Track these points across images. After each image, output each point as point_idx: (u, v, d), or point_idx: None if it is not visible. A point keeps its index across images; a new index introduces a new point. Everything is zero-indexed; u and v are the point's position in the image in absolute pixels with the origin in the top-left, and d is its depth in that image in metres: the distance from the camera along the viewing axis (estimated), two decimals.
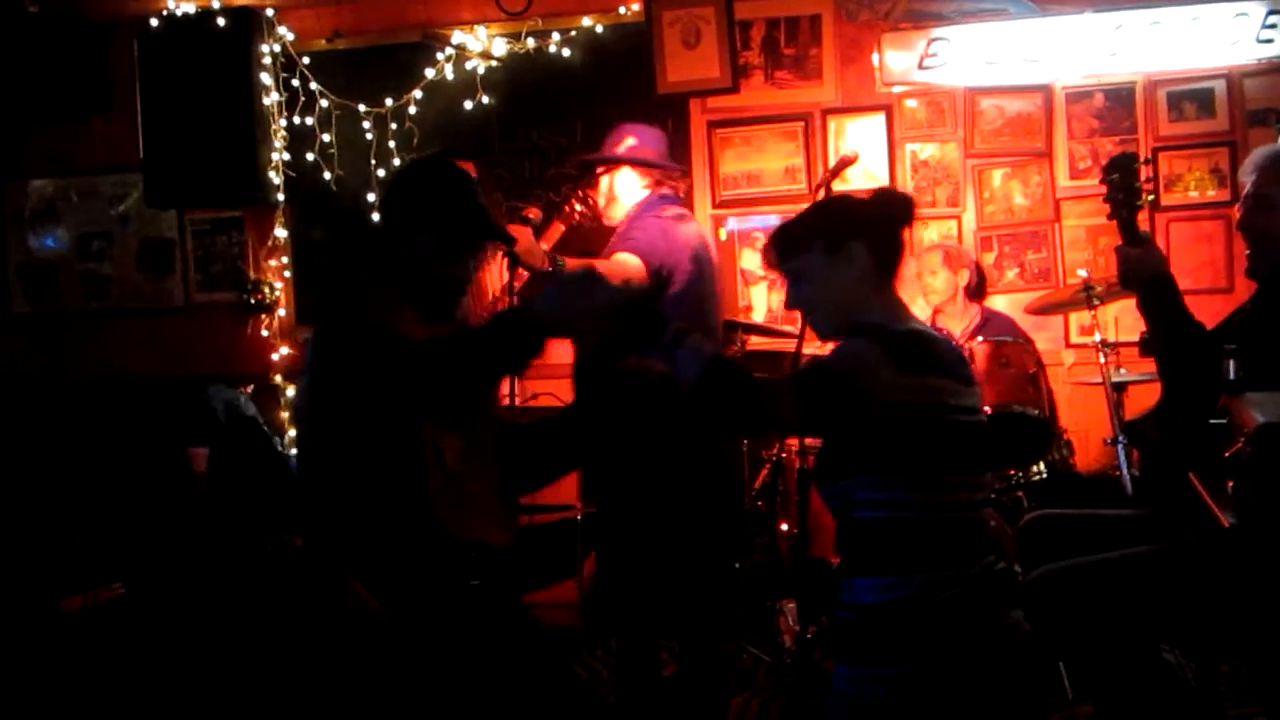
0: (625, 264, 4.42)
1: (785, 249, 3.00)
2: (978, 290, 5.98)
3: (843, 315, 2.94)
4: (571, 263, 4.44)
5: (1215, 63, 5.83)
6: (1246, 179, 3.60)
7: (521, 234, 4.35)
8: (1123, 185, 3.60)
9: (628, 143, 4.81)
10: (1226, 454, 3.03)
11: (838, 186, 4.88)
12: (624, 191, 4.76)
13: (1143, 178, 3.64)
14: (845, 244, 2.90)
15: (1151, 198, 3.58)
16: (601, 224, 5.49)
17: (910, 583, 2.75)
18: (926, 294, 5.89)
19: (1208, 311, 3.67)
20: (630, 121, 6.38)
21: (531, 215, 4.53)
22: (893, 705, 2.71)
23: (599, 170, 4.82)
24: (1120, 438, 4.98)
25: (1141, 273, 3.58)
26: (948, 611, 2.73)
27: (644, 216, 4.68)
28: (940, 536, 2.77)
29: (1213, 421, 3.14)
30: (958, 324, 5.86)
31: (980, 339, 5.29)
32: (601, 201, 4.83)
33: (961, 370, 2.88)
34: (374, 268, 3.35)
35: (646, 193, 4.73)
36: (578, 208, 5.78)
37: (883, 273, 2.94)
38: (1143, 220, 5.80)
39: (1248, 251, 3.62)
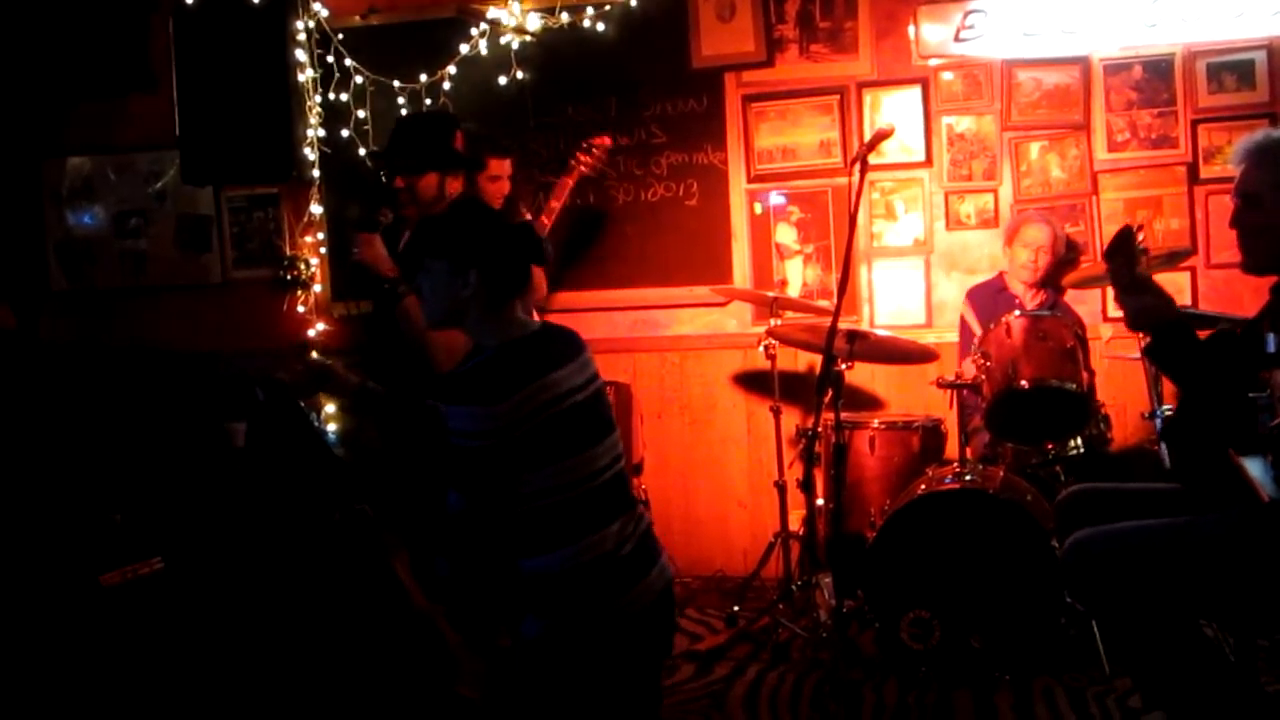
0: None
1: (425, 243, 3.25)
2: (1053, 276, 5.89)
3: (453, 319, 3.22)
4: (410, 303, 4.24)
5: (1256, 33, 5.78)
6: (1235, 169, 3.47)
7: (368, 241, 4.21)
8: (1126, 260, 3.37)
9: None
10: (1271, 425, 3.00)
11: (874, 160, 4.86)
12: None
13: (1140, 240, 3.46)
14: (467, 270, 3.13)
15: (1145, 253, 3.42)
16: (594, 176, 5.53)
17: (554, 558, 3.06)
18: (1019, 270, 5.79)
19: (1246, 285, 3.63)
20: (659, 98, 6.45)
21: (383, 219, 4.41)
22: (536, 652, 3.07)
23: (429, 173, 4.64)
24: (1157, 412, 4.96)
25: (1153, 320, 3.40)
26: (573, 581, 3.04)
27: None
28: (572, 515, 3.06)
29: (1251, 395, 3.11)
30: (1029, 298, 5.80)
31: (1017, 314, 5.26)
32: (427, 201, 4.61)
33: (564, 353, 3.17)
34: None
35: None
36: (584, 159, 5.81)
37: (494, 299, 3.17)
38: (1181, 196, 5.85)
39: (1240, 246, 3.50)
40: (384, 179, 4.64)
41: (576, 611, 3.05)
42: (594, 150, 5.80)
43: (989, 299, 5.88)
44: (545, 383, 3.05)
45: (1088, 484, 3.96)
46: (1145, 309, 3.39)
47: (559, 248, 5.97)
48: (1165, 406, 4.95)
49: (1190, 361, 3.39)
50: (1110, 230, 5.89)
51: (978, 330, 5.82)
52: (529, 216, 5.86)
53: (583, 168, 5.79)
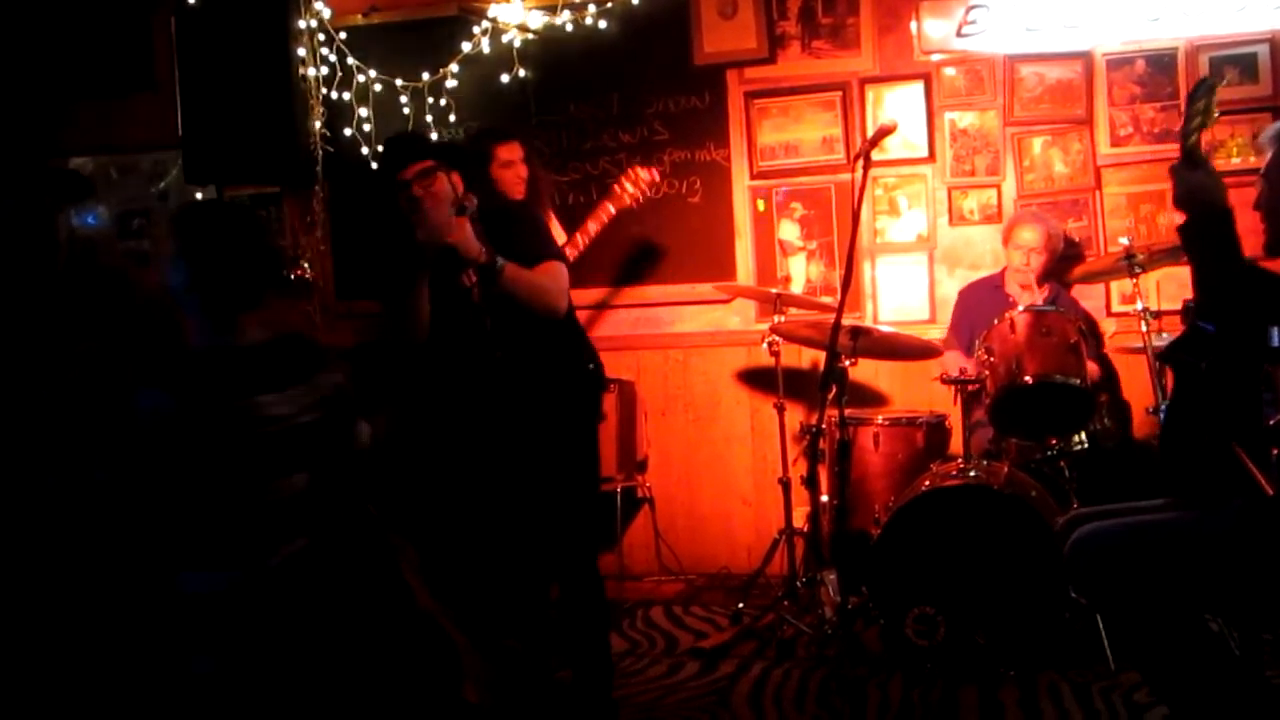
0: (563, 277, 4.30)
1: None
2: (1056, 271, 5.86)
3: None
4: (511, 269, 4.14)
5: (1258, 27, 5.78)
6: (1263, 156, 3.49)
7: (459, 224, 4.19)
8: (1203, 111, 3.24)
9: None
10: (1272, 421, 3.00)
11: (876, 156, 4.84)
12: None
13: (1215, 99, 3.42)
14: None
15: (1216, 117, 3.35)
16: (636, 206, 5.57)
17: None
18: (1014, 273, 5.78)
19: None
20: (661, 95, 6.45)
21: (468, 204, 4.41)
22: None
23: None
24: (1162, 407, 4.94)
25: (1202, 201, 3.26)
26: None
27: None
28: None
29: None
30: (1028, 296, 5.78)
31: (1020, 309, 5.25)
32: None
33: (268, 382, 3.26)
34: None
35: None
36: (629, 188, 5.81)
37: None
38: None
39: (1264, 228, 3.49)
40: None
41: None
42: (640, 182, 5.80)
43: (984, 296, 5.86)
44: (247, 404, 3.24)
45: (1087, 508, 3.93)
46: (1197, 187, 3.26)
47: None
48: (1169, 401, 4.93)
49: (1221, 252, 3.27)
50: (1114, 226, 5.92)
51: (951, 332, 5.84)
52: (554, 216, 5.83)
53: (626, 198, 5.79)
